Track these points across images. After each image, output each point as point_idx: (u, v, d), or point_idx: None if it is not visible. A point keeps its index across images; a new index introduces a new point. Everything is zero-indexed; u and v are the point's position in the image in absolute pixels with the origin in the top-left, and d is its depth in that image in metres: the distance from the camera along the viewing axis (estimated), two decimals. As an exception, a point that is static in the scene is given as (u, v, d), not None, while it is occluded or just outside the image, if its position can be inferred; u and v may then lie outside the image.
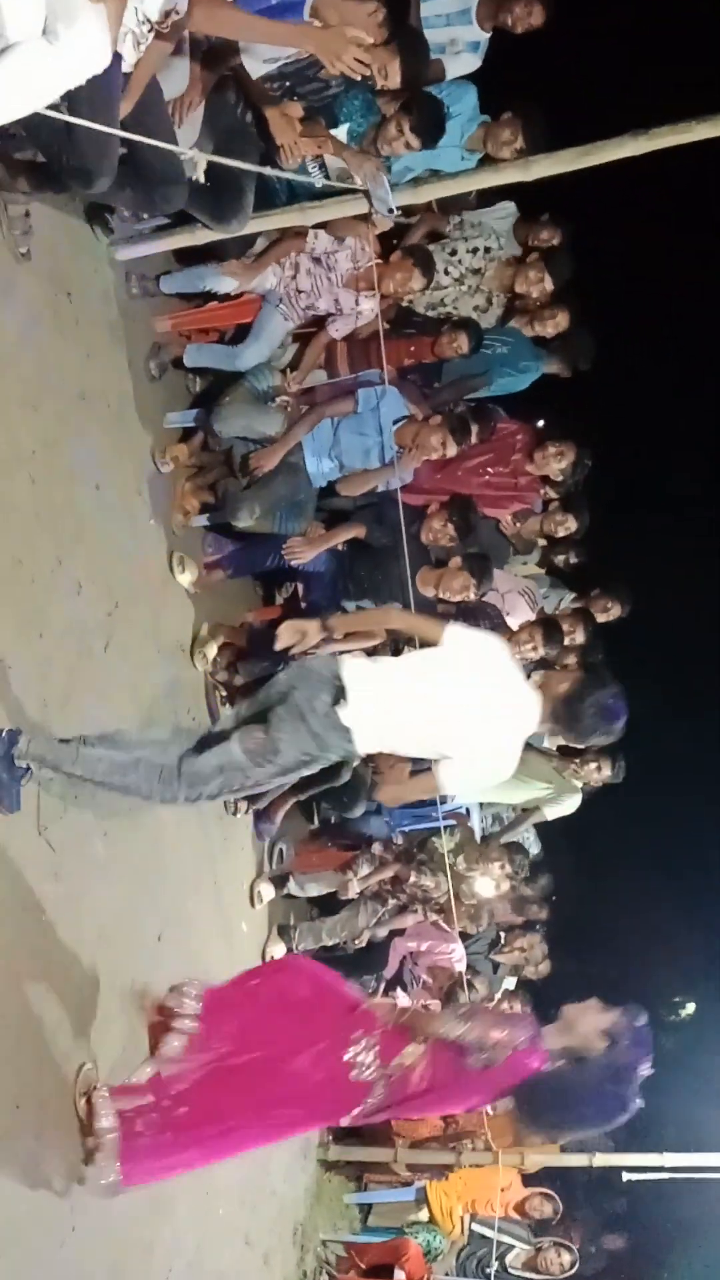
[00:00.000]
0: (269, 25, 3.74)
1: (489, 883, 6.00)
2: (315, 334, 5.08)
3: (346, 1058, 3.11)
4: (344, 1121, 3.31)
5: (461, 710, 3.25)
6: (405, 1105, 3.23)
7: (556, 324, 5.35)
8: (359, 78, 3.82)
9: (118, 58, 3.24)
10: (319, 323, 5.06)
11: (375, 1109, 3.17)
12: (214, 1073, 3.17)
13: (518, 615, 5.59)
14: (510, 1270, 6.60)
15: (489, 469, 5.44)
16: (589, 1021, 3.17)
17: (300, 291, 4.84)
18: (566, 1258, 6.54)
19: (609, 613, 6.06)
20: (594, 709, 3.34)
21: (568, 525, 5.87)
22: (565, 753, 6.34)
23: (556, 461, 5.49)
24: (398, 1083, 3.13)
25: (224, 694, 5.22)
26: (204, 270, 4.80)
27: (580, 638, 5.70)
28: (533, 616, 5.68)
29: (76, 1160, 3.12)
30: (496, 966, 6.77)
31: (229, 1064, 3.18)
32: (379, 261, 4.84)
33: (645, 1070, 3.12)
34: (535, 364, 5.48)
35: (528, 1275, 6.63)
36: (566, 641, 5.52)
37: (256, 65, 4.12)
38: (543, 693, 3.34)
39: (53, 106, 2.75)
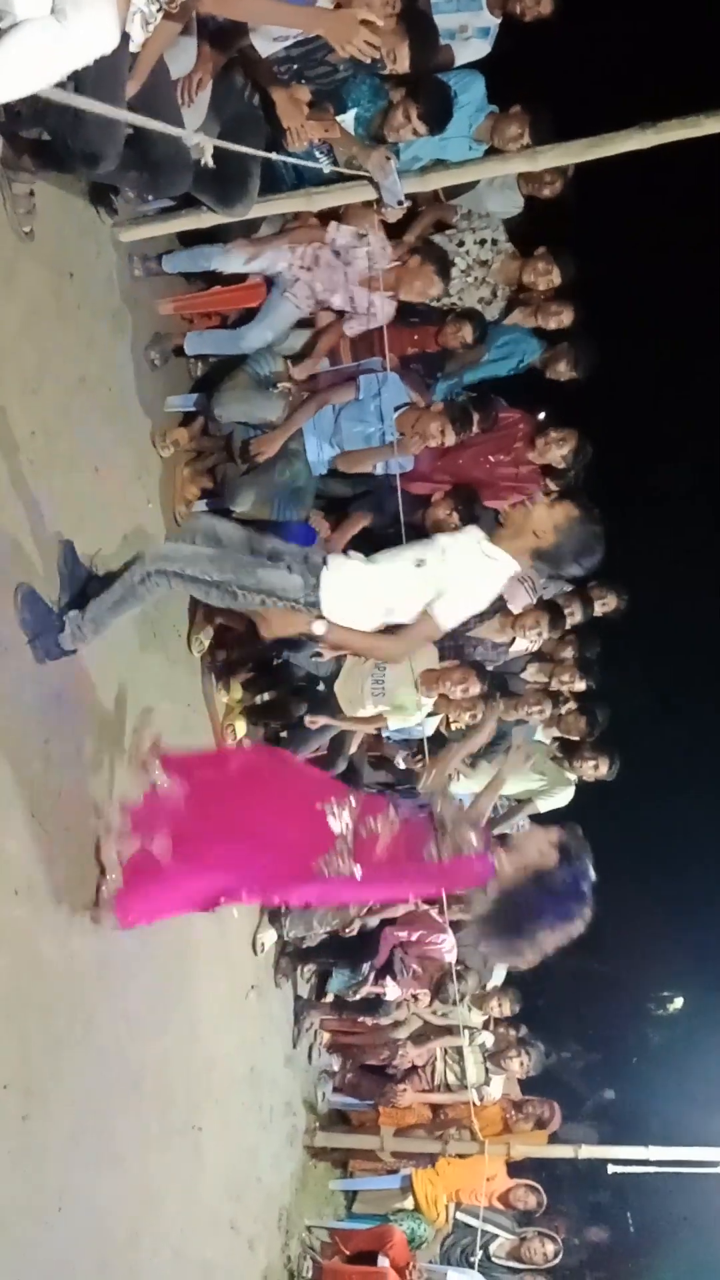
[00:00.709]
0: (279, 7, 3.72)
1: None
2: (330, 323, 5.04)
3: (320, 806, 3.43)
4: (310, 899, 3.81)
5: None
6: (366, 878, 3.44)
7: (560, 319, 5.31)
8: (369, 61, 3.79)
9: (125, 38, 3.22)
10: (329, 312, 5.03)
11: (339, 874, 3.41)
12: (194, 816, 3.48)
13: (517, 602, 5.59)
14: (494, 1259, 6.64)
15: (490, 456, 5.42)
16: (537, 839, 3.47)
17: (317, 283, 4.79)
18: (550, 1247, 6.57)
19: (605, 604, 6.06)
20: (575, 542, 3.53)
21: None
22: (563, 747, 6.37)
23: (558, 448, 5.46)
24: (364, 845, 3.40)
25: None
26: (210, 250, 4.75)
27: (579, 616, 5.80)
28: (531, 603, 5.68)
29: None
30: (487, 958, 6.78)
31: (207, 809, 3.50)
32: (397, 264, 4.78)
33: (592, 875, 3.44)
34: (532, 344, 5.44)
35: (511, 1264, 6.66)
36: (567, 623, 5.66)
37: (265, 45, 4.09)
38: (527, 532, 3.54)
39: (59, 86, 2.73)
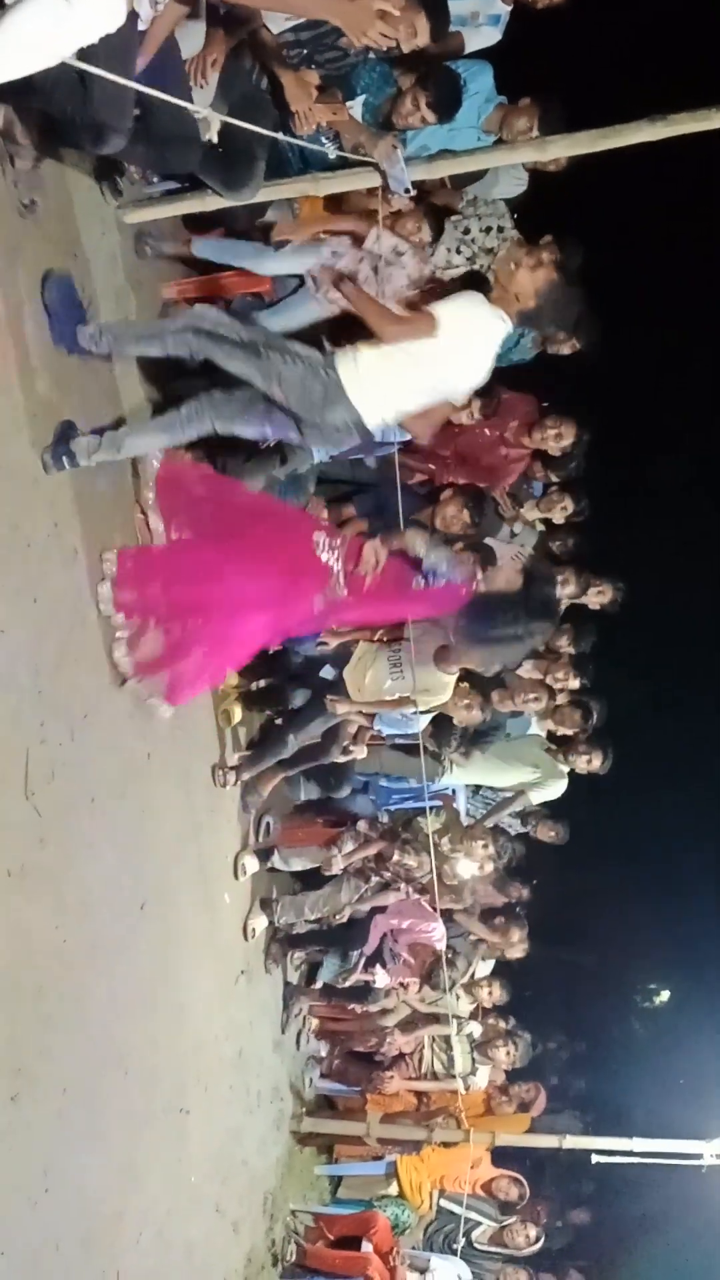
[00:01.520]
0: None
1: (470, 864, 6.03)
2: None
3: (313, 539, 3.85)
4: (305, 628, 4.17)
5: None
6: (363, 602, 3.98)
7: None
8: (384, 50, 3.77)
9: (134, 15, 3.20)
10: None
11: (334, 605, 3.91)
12: (187, 566, 3.93)
13: (504, 573, 5.57)
14: (476, 1246, 6.68)
15: (484, 430, 5.41)
16: (506, 572, 4.18)
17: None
18: (533, 1231, 6.62)
19: (602, 596, 6.05)
20: (555, 304, 3.86)
21: (565, 507, 5.85)
22: (556, 740, 6.38)
23: (556, 440, 5.46)
24: (355, 580, 3.91)
25: None
26: (243, 247, 4.69)
27: (573, 588, 5.83)
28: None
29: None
30: (477, 943, 6.80)
31: (200, 554, 3.94)
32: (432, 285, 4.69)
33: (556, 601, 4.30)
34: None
35: (493, 1249, 6.71)
36: (562, 592, 5.69)
37: (274, 25, 4.06)
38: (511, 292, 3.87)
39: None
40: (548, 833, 6.66)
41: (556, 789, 6.46)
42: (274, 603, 3.92)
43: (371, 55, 4.33)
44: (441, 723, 5.58)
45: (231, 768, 5.38)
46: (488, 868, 6.11)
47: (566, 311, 3.90)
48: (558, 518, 5.92)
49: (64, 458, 3.65)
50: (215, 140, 3.77)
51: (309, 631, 4.36)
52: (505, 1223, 6.71)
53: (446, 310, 3.84)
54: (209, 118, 3.55)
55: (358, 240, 4.62)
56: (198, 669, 4.07)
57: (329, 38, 4.13)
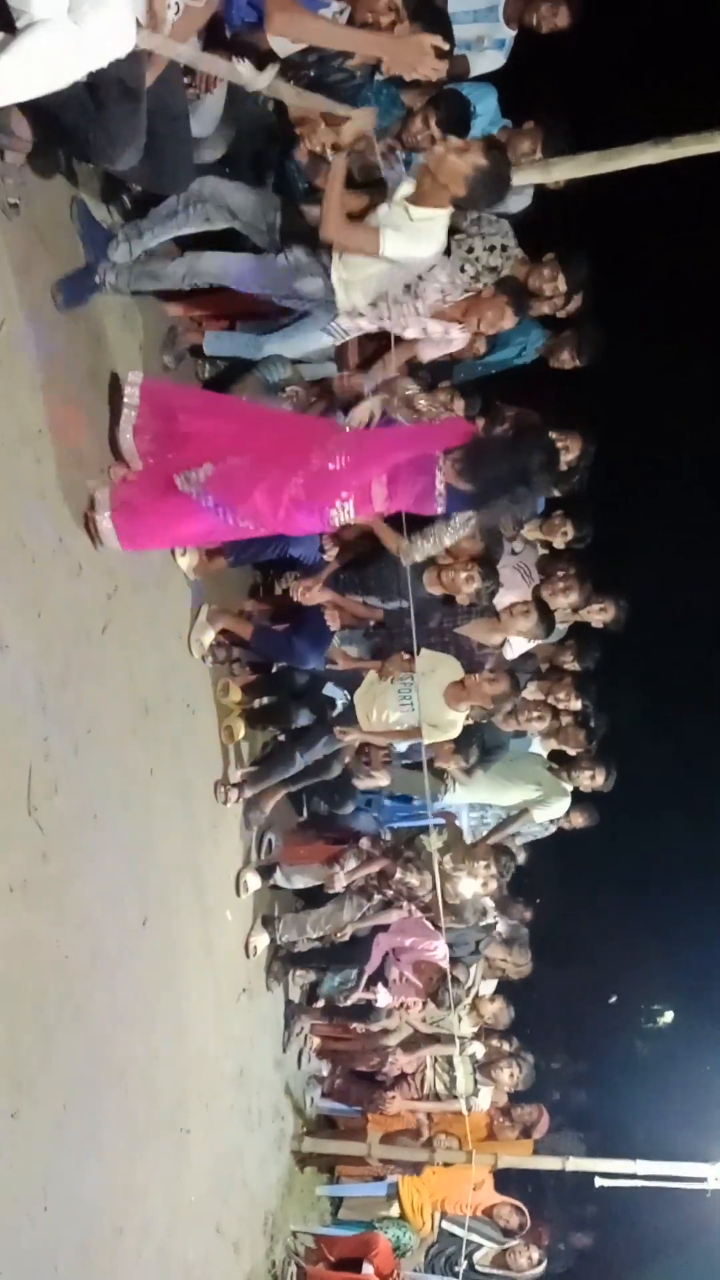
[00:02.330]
0: (347, 32, 3.85)
1: (473, 883, 6.02)
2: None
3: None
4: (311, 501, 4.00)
5: None
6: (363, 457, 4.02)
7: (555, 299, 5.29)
8: (434, 81, 3.94)
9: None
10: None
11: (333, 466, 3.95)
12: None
13: (514, 592, 5.58)
14: (478, 1268, 6.63)
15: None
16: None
17: (383, 319, 4.68)
18: (535, 1254, 6.58)
19: (605, 614, 6.04)
20: (484, 185, 4.00)
21: (566, 532, 5.82)
22: (559, 759, 6.37)
23: (562, 453, 5.47)
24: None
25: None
26: (255, 340, 4.87)
27: (575, 597, 5.79)
28: (528, 593, 5.68)
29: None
30: (478, 944, 6.75)
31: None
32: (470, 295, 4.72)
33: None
34: (535, 332, 5.44)
35: (495, 1272, 6.66)
36: (564, 600, 5.75)
37: (281, 44, 4.09)
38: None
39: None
40: (578, 819, 6.60)
41: (559, 807, 6.46)
42: (275, 459, 3.97)
43: (379, 76, 4.37)
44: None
45: (234, 784, 5.39)
46: (490, 886, 6.10)
47: (498, 189, 4.02)
48: (558, 543, 5.89)
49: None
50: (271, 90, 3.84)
51: (314, 510, 4.13)
52: (507, 1245, 6.66)
53: (390, 242, 4.06)
54: (255, 77, 3.61)
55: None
56: (172, 514, 4.06)
57: (335, 59, 4.16)
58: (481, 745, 5.87)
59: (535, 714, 5.89)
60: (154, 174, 3.74)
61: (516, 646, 5.62)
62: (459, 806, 6.60)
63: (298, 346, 4.91)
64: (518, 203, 5.23)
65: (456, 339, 4.83)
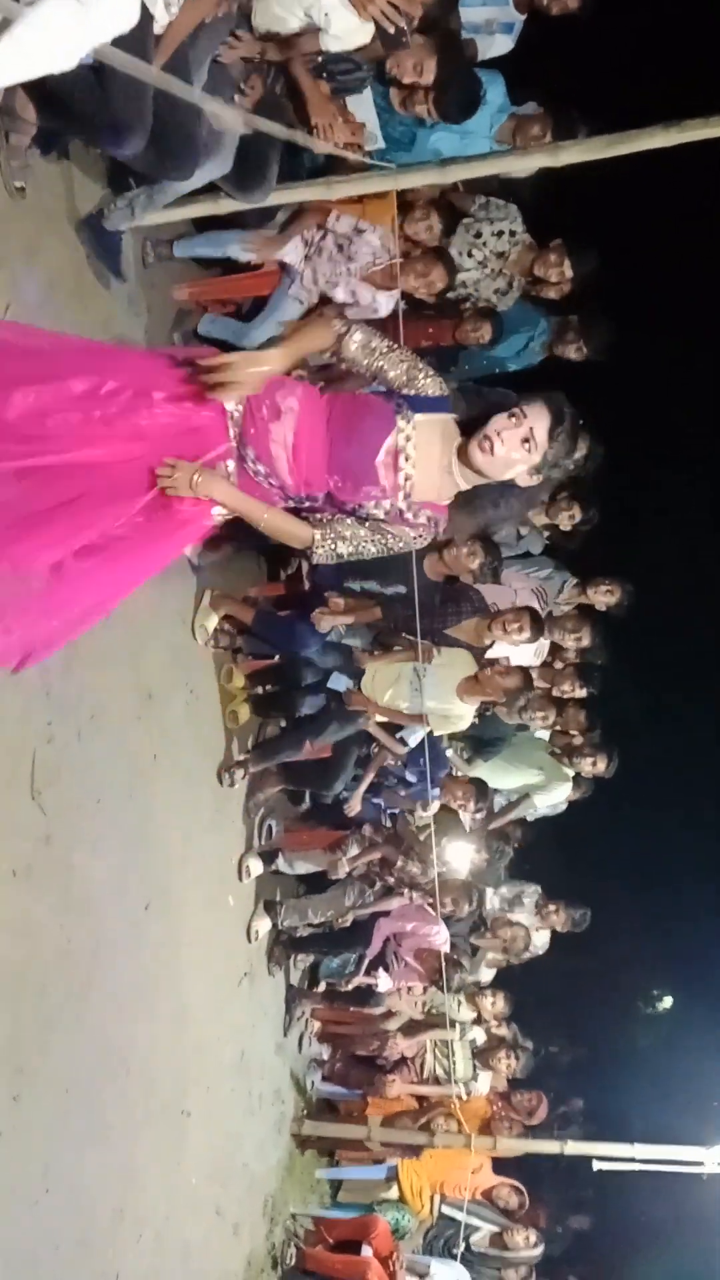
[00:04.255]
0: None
1: (462, 848, 6.04)
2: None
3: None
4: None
5: None
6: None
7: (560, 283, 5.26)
8: (391, 29, 3.92)
9: (149, 19, 3.21)
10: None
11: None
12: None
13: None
14: (475, 1249, 6.67)
15: None
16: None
17: (319, 274, 4.77)
18: (533, 1235, 6.63)
19: (611, 596, 6.05)
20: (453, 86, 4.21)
21: (573, 515, 5.83)
22: (562, 745, 6.37)
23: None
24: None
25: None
26: (226, 235, 4.73)
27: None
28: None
29: None
30: (475, 950, 6.79)
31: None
32: (402, 259, 4.73)
33: None
34: (541, 324, 5.41)
35: (493, 1252, 6.70)
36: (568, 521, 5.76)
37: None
38: None
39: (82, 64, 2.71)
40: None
41: (561, 792, 6.47)
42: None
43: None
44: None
45: (239, 761, 5.39)
46: (477, 859, 6.15)
47: (468, 90, 4.22)
48: (565, 525, 5.91)
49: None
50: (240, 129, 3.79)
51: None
52: (505, 1227, 6.70)
53: None
54: (218, 113, 3.55)
55: (320, 222, 4.73)
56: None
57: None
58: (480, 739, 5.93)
59: (540, 714, 5.90)
60: (159, 159, 3.72)
61: (517, 656, 5.62)
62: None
63: (281, 321, 4.90)
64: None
65: (383, 307, 4.82)
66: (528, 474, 2.58)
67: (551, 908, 6.88)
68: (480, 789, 5.75)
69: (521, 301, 5.36)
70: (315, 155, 4.44)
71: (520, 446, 2.52)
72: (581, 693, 6.03)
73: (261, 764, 5.50)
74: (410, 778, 5.74)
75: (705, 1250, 9.63)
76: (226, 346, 5.03)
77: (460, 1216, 6.58)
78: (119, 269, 4.12)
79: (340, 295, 4.83)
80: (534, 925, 6.90)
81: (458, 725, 5.35)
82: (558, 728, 6.25)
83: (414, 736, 5.49)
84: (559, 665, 6.18)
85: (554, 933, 7.02)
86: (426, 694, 5.11)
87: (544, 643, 5.83)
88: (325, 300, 4.91)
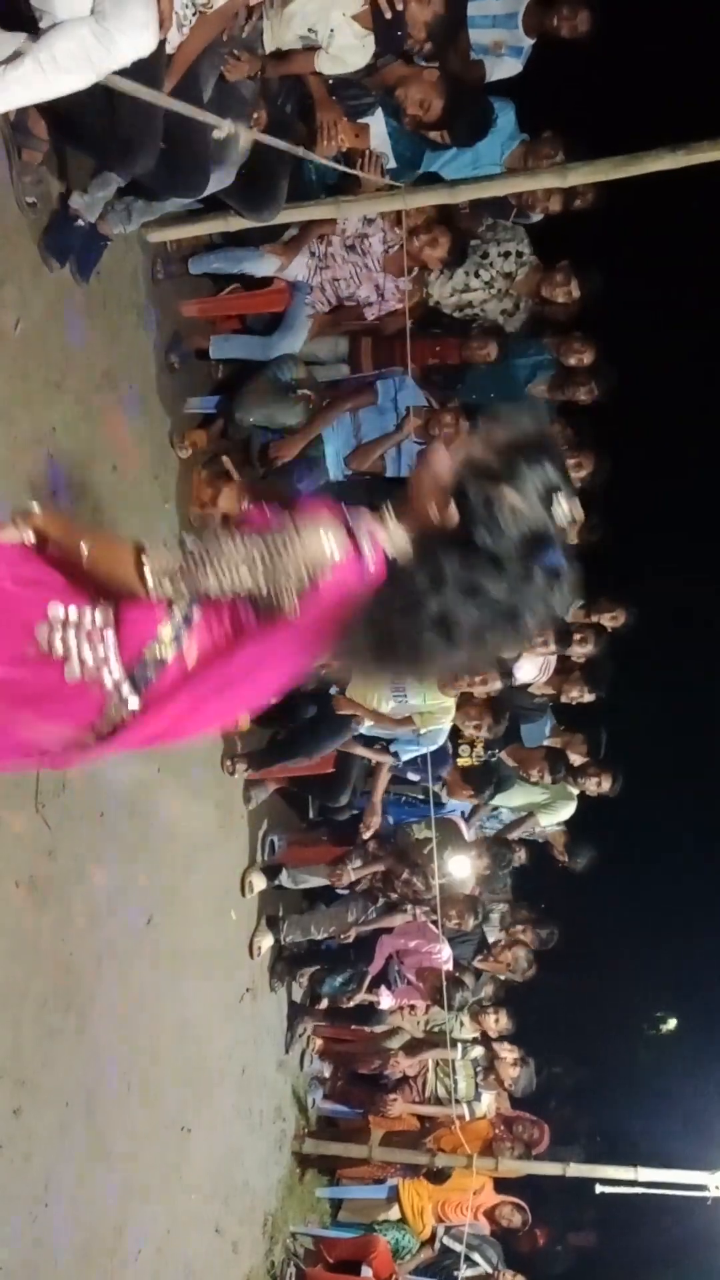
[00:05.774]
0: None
1: (463, 861, 6.03)
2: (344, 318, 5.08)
3: (38, 639, 1.83)
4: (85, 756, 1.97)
5: None
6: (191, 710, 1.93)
7: (581, 358, 5.25)
8: (388, 14, 3.96)
9: (162, 39, 3.24)
10: (346, 309, 5.06)
11: (134, 728, 1.88)
12: None
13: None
14: None
15: None
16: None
17: (337, 279, 4.82)
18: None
19: (615, 619, 6.05)
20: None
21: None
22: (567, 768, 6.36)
23: (575, 470, 5.45)
24: (158, 688, 1.87)
25: None
26: (242, 253, 4.78)
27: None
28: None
29: None
30: (480, 974, 6.77)
31: None
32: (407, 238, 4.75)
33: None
34: (546, 358, 5.43)
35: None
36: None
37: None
38: None
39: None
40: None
41: (565, 810, 6.45)
42: None
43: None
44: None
45: (241, 755, 5.41)
46: (480, 868, 6.15)
47: (473, 109, 4.27)
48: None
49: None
50: (243, 145, 3.82)
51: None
52: (496, 1273, 6.62)
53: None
54: (228, 131, 3.59)
55: (330, 229, 4.77)
56: None
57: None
58: (497, 771, 5.98)
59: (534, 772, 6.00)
60: (168, 178, 3.75)
61: (523, 672, 5.64)
62: (464, 808, 6.59)
63: (301, 331, 4.95)
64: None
65: (391, 297, 4.91)
66: None
67: (519, 928, 6.85)
68: (482, 777, 5.70)
69: (526, 337, 5.38)
70: (326, 173, 4.48)
71: None
72: (590, 698, 6.04)
73: (260, 769, 5.52)
74: (412, 777, 5.74)
75: (708, 1276, 9.54)
76: (242, 362, 5.09)
77: (459, 1249, 6.51)
78: (89, 273, 3.91)
79: (364, 293, 4.88)
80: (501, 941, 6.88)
81: (443, 720, 5.36)
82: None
83: (407, 751, 5.52)
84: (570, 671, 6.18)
85: (549, 953, 6.98)
86: (410, 694, 5.15)
87: (550, 659, 5.83)
88: (339, 305, 4.96)
